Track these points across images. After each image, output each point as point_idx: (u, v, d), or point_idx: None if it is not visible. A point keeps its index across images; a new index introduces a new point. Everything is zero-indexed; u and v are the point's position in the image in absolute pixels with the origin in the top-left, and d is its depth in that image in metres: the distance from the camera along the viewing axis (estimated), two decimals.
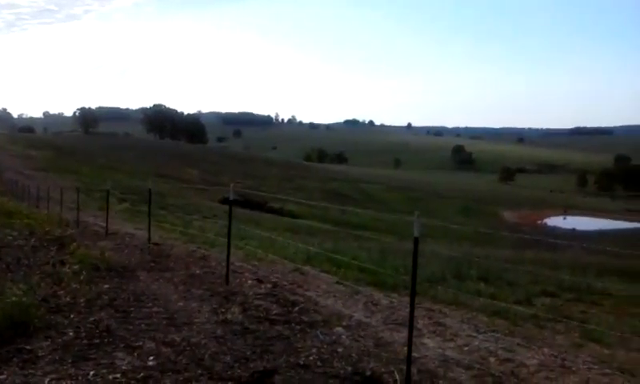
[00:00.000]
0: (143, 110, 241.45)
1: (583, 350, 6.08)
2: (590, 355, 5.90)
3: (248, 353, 5.58)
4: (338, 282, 9.21)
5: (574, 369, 5.39)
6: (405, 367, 5.00)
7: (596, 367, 5.45)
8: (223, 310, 7.11)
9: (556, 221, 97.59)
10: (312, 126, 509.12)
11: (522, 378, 5.13)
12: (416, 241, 4.99)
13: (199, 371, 5.02)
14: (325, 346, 5.86)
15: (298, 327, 6.55)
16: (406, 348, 5.08)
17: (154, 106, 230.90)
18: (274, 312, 7.16)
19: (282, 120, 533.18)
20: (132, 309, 6.98)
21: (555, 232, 79.14)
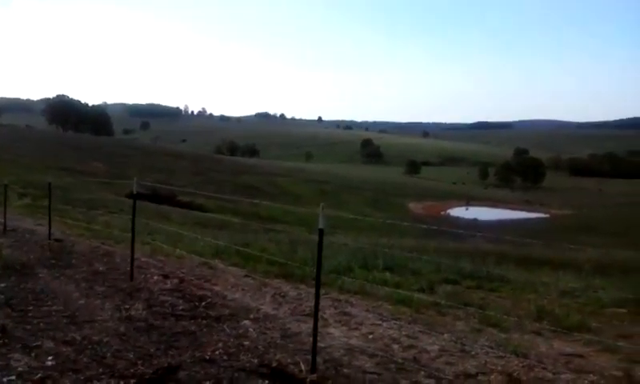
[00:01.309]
0: (45, 101, 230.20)
1: (482, 335, 6.36)
2: (488, 339, 6.17)
3: (152, 349, 5.47)
4: (246, 276, 9.18)
5: (472, 353, 5.63)
6: (311, 357, 5.06)
7: (493, 350, 5.71)
8: (127, 307, 6.93)
9: (459, 211, 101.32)
10: (223, 118, 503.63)
11: (423, 363, 5.31)
12: (321, 232, 5.05)
13: (100, 370, 4.87)
14: (231, 340, 5.83)
15: (205, 322, 6.48)
16: (312, 338, 5.14)
17: (57, 96, 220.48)
18: (180, 307, 7.06)
19: (192, 112, 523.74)
20: (30, 308, 6.68)
21: (458, 222, 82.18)
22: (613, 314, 7.69)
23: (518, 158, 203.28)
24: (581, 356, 5.72)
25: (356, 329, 6.41)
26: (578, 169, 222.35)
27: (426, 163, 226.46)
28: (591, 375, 5.14)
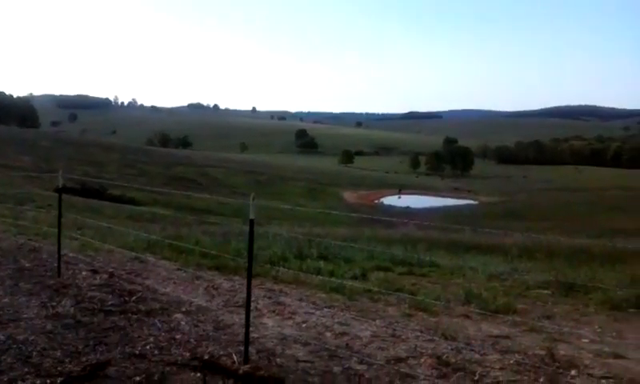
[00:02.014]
0: None
1: (412, 319, 6.49)
2: (419, 324, 6.31)
3: (80, 346, 5.31)
4: (178, 269, 9.04)
5: (403, 337, 5.74)
6: (243, 348, 5.04)
7: (423, 334, 5.84)
8: (54, 304, 6.70)
9: (392, 200, 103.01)
10: (154, 109, 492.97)
11: (355, 349, 5.37)
12: (252, 223, 5.02)
13: (26, 369, 4.70)
14: (162, 334, 5.74)
15: (135, 316, 6.35)
16: (244, 329, 5.11)
17: None
18: (110, 303, 6.88)
19: (122, 103, 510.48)
20: None
21: (391, 210, 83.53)
22: (537, 295, 8.00)
23: (447, 146, 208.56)
24: (507, 337, 5.92)
25: (289, 318, 6.43)
26: (505, 157, 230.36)
27: (360, 153, 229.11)
28: (516, 355, 5.33)
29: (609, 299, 7.43)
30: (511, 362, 5.09)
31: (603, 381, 4.77)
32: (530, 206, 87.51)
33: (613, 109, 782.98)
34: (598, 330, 6.37)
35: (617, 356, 5.42)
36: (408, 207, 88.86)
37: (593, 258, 11.59)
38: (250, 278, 5.14)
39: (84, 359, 4.99)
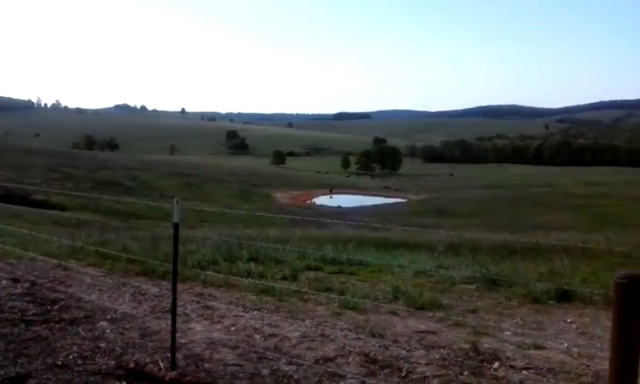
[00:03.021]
0: None
1: (341, 318, 6.54)
2: (348, 322, 6.36)
3: None
4: (104, 275, 8.78)
5: (332, 337, 5.77)
6: (170, 354, 4.95)
7: (352, 333, 5.90)
8: None
9: (323, 200, 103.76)
10: (79, 111, 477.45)
11: (284, 351, 5.36)
12: (176, 226, 4.93)
13: None
14: (87, 343, 5.55)
15: (58, 326, 6.12)
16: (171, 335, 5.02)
17: None
18: (31, 312, 6.61)
19: (45, 105, 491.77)
20: None
21: (323, 210, 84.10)
22: (462, 290, 8.22)
23: (376, 146, 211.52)
24: (433, 332, 6.05)
25: (218, 322, 6.35)
26: (432, 155, 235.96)
27: (291, 153, 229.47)
28: (442, 350, 5.45)
29: (530, 292, 7.69)
30: (437, 356, 5.20)
31: (524, 371, 4.93)
32: (457, 203, 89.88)
33: (533, 108, 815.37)
34: (520, 323, 6.60)
35: (537, 347, 5.62)
36: (339, 206, 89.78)
37: (515, 252, 11.98)
38: (175, 282, 5.06)
39: (2, 372, 4.78)
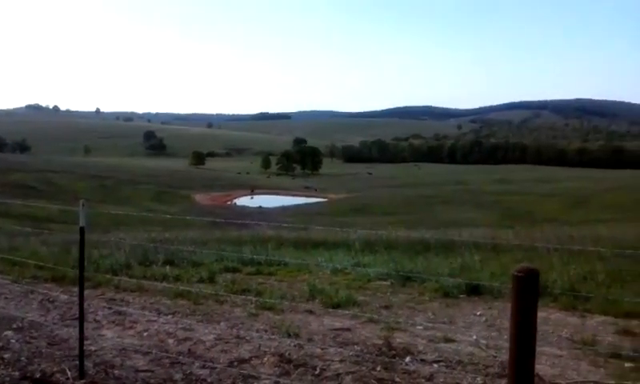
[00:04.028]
0: None
1: (258, 319, 6.51)
2: (264, 323, 6.34)
3: None
4: (11, 283, 8.38)
5: (247, 338, 5.74)
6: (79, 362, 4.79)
7: (267, 334, 5.88)
8: None
9: (244, 200, 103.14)
10: None
11: (198, 354, 5.29)
12: (82, 230, 4.77)
13: None
14: None
15: None
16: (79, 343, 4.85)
17: None
18: None
19: None
20: None
21: (244, 211, 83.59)
22: (377, 287, 8.38)
23: (297, 147, 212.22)
24: (348, 329, 6.13)
25: (131, 327, 6.19)
26: (351, 155, 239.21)
27: (212, 154, 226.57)
28: (356, 346, 5.53)
29: (442, 287, 7.93)
30: (351, 353, 5.27)
31: (435, 365, 5.07)
32: (375, 201, 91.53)
33: (447, 109, 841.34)
34: (432, 317, 6.79)
35: (448, 340, 5.80)
36: (260, 207, 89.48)
37: (429, 248, 12.31)
38: (81, 288, 4.90)
39: None
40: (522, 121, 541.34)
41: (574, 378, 4.83)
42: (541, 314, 6.74)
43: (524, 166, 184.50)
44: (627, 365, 5.05)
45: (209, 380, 4.70)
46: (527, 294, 2.87)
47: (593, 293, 7.44)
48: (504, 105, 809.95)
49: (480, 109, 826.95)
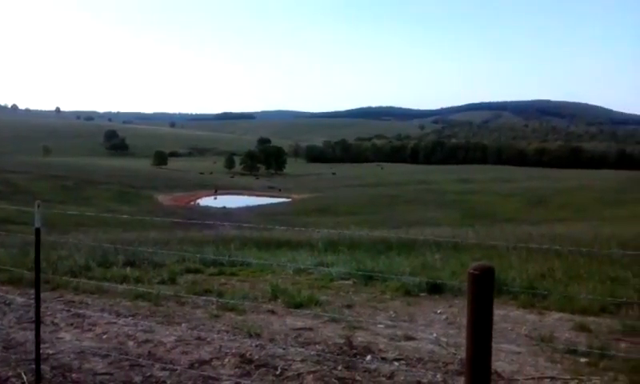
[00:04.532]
0: None
1: (219, 320, 6.47)
2: (225, 324, 6.31)
3: None
4: None
5: (208, 339, 5.70)
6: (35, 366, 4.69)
7: (229, 334, 5.85)
8: None
9: (208, 201, 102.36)
10: None
11: (158, 356, 5.23)
12: (37, 232, 4.68)
13: None
14: None
15: None
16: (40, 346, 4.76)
17: None
18: None
19: None
20: None
21: (208, 211, 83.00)
22: (340, 286, 8.41)
23: (261, 146, 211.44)
24: (310, 329, 6.14)
25: (89, 330, 6.09)
26: (315, 156, 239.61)
27: (174, 154, 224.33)
28: (317, 346, 5.54)
29: (403, 286, 8.01)
30: (312, 353, 5.28)
31: (395, 363, 5.12)
32: (339, 201, 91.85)
33: (410, 109, 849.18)
34: (393, 315, 6.85)
35: (408, 338, 5.86)
36: (224, 207, 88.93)
37: (391, 248, 12.43)
38: (38, 290, 4.81)
39: None
40: (483, 121, 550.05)
41: (531, 374, 4.92)
42: (500, 312, 6.91)
43: (485, 165, 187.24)
44: (582, 360, 5.17)
45: (169, 382, 4.66)
46: (483, 291, 2.91)
47: (550, 290, 7.60)
48: (465, 106, 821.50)
49: (442, 109, 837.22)
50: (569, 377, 4.83)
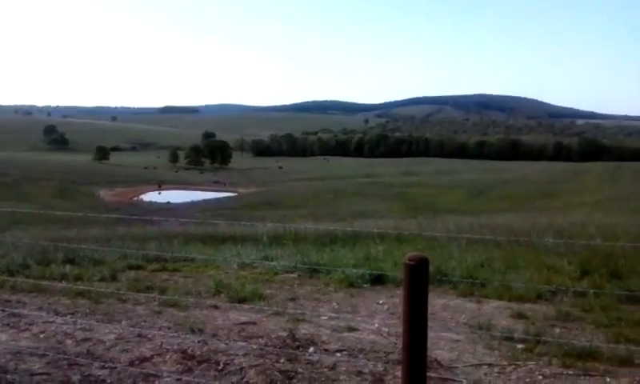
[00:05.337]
0: None
1: (161, 317, 6.38)
2: (167, 320, 6.22)
3: None
4: None
5: (149, 336, 5.61)
6: None
7: (171, 331, 5.78)
8: None
9: (152, 196, 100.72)
10: None
11: (98, 354, 5.13)
12: None
13: None
14: None
15: None
16: None
17: None
18: None
19: None
20: None
21: (151, 206, 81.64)
22: (284, 279, 8.44)
23: (206, 141, 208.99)
24: (253, 323, 6.14)
25: (26, 330, 5.92)
26: (261, 149, 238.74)
27: (116, 148, 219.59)
28: (260, 339, 5.54)
29: (347, 277, 8.09)
30: (255, 346, 5.28)
31: (338, 354, 5.17)
32: (285, 195, 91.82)
33: (355, 103, 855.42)
34: (336, 307, 6.92)
35: (351, 329, 5.93)
36: (169, 202, 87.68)
37: (336, 240, 12.53)
38: None
39: None
40: (426, 115, 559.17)
41: (470, 361, 5.06)
42: (440, 301, 7.08)
43: (427, 158, 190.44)
44: (519, 346, 5.34)
45: (108, 381, 4.58)
46: (418, 280, 3.00)
47: (489, 279, 7.82)
48: (408, 100, 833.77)
49: (385, 104, 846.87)
50: (506, 363, 4.98)
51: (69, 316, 6.39)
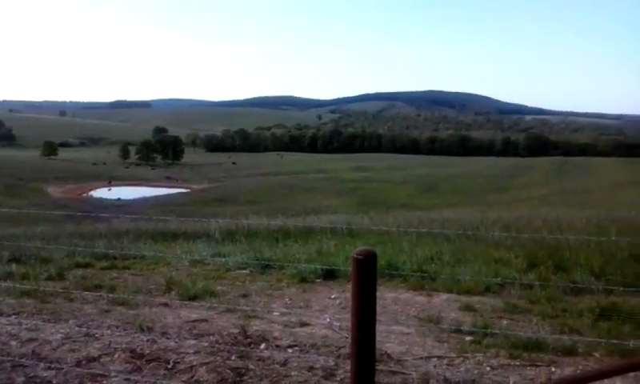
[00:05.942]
0: None
1: (110, 316, 6.27)
2: (116, 319, 6.11)
3: None
4: None
5: (97, 335, 5.51)
6: None
7: (119, 330, 5.69)
8: None
9: (102, 192, 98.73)
10: None
11: (43, 355, 5.01)
12: None
13: None
14: None
15: None
16: None
17: None
18: None
19: None
20: None
21: (101, 203, 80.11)
22: (236, 276, 8.40)
23: (157, 136, 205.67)
24: (205, 320, 6.09)
25: None
26: (214, 145, 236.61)
27: (65, 144, 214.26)
28: (212, 337, 5.50)
29: (299, 273, 8.11)
30: (206, 344, 5.24)
31: (289, 350, 5.18)
32: (238, 191, 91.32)
33: (308, 99, 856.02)
34: (288, 303, 6.93)
35: (303, 324, 5.95)
36: (119, 199, 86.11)
37: (289, 236, 12.53)
38: None
39: None
40: (378, 111, 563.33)
41: (419, 353, 5.13)
42: (391, 295, 7.16)
43: (380, 154, 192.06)
44: (468, 338, 5.45)
45: (54, 382, 4.48)
46: (367, 274, 3.02)
47: (439, 272, 7.95)
48: (360, 96, 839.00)
49: (338, 99, 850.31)
50: (454, 355, 5.08)
51: (14, 316, 6.22)
